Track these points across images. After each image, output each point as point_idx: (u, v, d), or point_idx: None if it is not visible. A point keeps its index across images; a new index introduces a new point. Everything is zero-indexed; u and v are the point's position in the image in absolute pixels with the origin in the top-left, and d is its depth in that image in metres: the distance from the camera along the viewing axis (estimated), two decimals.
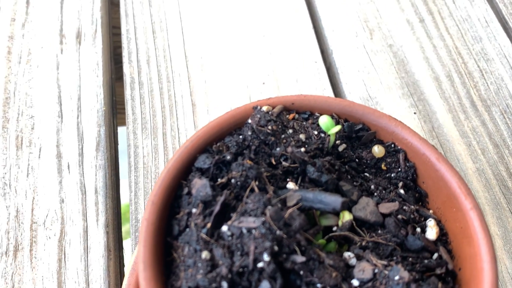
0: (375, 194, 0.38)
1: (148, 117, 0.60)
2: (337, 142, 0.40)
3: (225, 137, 0.39)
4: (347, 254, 0.34)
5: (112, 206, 0.55)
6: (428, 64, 0.65)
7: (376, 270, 0.32)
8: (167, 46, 0.66)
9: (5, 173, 0.55)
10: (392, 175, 0.40)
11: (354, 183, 0.38)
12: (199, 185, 0.34)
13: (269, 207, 0.32)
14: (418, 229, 0.36)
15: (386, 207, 0.37)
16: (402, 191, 0.39)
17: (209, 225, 0.32)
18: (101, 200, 0.54)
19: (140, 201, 0.54)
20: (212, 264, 0.31)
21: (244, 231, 0.31)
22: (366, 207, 0.36)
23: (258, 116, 0.38)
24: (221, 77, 0.64)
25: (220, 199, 0.33)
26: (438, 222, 0.38)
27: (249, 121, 0.38)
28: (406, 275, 0.31)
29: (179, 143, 0.58)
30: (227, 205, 0.33)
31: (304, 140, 0.39)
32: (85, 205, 0.54)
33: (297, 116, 0.41)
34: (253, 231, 0.31)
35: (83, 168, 0.56)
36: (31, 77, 0.63)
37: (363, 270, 0.32)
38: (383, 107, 0.62)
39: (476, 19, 0.70)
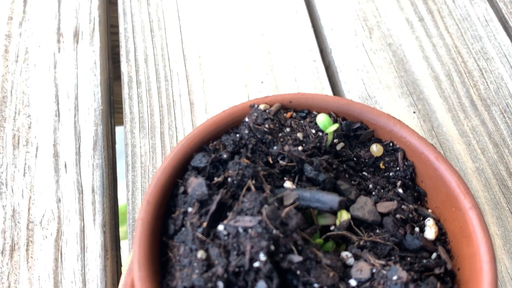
0: (373, 193, 0.38)
1: (146, 116, 0.59)
2: (335, 140, 0.40)
3: (222, 136, 0.38)
4: (344, 254, 0.33)
5: (109, 205, 0.54)
6: (428, 63, 0.65)
7: (374, 270, 0.32)
8: (165, 45, 0.66)
9: (2, 172, 0.55)
10: (391, 174, 0.40)
11: (352, 182, 0.38)
12: (195, 184, 0.33)
13: (266, 206, 0.31)
14: (417, 229, 0.36)
15: (384, 206, 0.36)
16: (400, 190, 0.39)
17: (205, 224, 0.32)
18: (98, 200, 0.54)
19: (138, 201, 0.54)
20: (208, 264, 0.31)
21: (241, 230, 0.31)
22: (364, 206, 0.36)
23: (255, 114, 0.38)
24: (219, 76, 0.63)
25: (216, 198, 0.33)
26: (437, 222, 0.37)
27: (246, 119, 0.38)
28: (404, 275, 0.31)
29: (177, 143, 0.58)
30: (224, 204, 0.33)
31: (301, 138, 0.38)
32: (82, 205, 0.54)
33: (294, 114, 0.40)
34: (250, 230, 0.30)
35: (80, 167, 0.56)
36: (28, 76, 0.62)
37: (361, 270, 0.32)
38: (382, 106, 0.61)
39: (476, 18, 0.69)
